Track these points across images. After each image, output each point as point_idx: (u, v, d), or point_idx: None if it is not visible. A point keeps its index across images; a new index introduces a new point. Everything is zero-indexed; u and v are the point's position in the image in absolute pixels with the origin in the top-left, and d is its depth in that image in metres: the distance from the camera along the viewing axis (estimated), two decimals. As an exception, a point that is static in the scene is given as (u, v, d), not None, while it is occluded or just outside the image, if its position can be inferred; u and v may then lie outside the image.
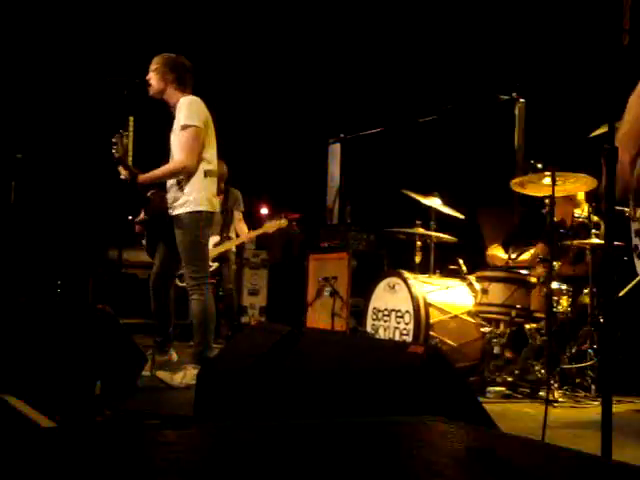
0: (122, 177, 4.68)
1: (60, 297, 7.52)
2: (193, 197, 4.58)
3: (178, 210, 4.63)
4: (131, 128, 4.81)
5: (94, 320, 4.47)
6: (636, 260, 2.66)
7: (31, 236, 7.70)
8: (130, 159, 4.74)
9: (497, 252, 5.34)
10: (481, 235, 6.09)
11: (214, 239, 6.57)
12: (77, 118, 7.78)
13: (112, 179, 4.78)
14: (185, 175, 4.59)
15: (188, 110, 4.58)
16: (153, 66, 4.70)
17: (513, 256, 5.07)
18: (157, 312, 4.82)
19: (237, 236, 7.03)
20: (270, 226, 6.48)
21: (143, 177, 4.66)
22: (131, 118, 4.81)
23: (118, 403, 3.79)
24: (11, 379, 3.95)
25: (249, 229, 6.88)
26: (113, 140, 4.62)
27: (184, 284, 5.19)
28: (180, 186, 4.64)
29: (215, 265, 6.61)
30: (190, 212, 4.59)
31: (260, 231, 6.65)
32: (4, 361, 4.14)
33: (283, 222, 6.42)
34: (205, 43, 7.84)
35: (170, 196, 4.68)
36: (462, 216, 5.54)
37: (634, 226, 2.64)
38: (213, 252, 6.53)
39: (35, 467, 1.18)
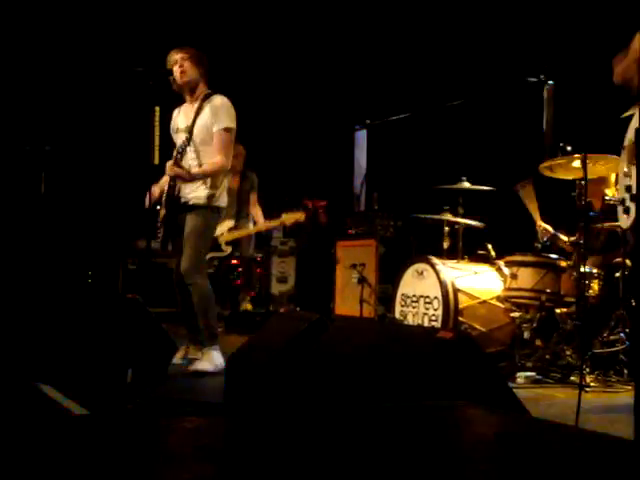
0: (170, 173, 4.75)
1: (91, 287, 7.59)
2: (213, 192, 4.72)
3: (197, 200, 4.72)
4: (157, 118, 4.83)
5: (125, 309, 4.51)
6: (621, 214, 2.63)
7: (61, 227, 7.77)
8: (157, 149, 4.76)
9: (547, 225, 5.23)
10: (508, 219, 6.03)
11: (229, 223, 6.60)
12: (104, 109, 7.82)
13: (139, 169, 4.82)
14: (220, 175, 4.76)
15: (226, 112, 4.70)
16: (184, 54, 4.71)
17: (544, 240, 5.01)
18: (184, 307, 4.84)
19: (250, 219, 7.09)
20: (288, 218, 6.45)
21: (191, 172, 4.72)
22: (157, 108, 4.83)
23: (149, 391, 3.82)
24: (45, 368, 4.00)
25: (273, 218, 6.88)
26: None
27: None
28: (205, 180, 4.73)
29: (229, 249, 6.63)
30: (209, 205, 4.71)
31: (277, 222, 6.68)
32: (38, 350, 4.20)
33: (301, 216, 6.40)
34: (225, 34, 7.84)
35: (188, 187, 4.74)
36: (492, 188, 5.49)
37: (625, 182, 2.61)
38: (228, 236, 6.55)
39: (67, 454, 1.19)
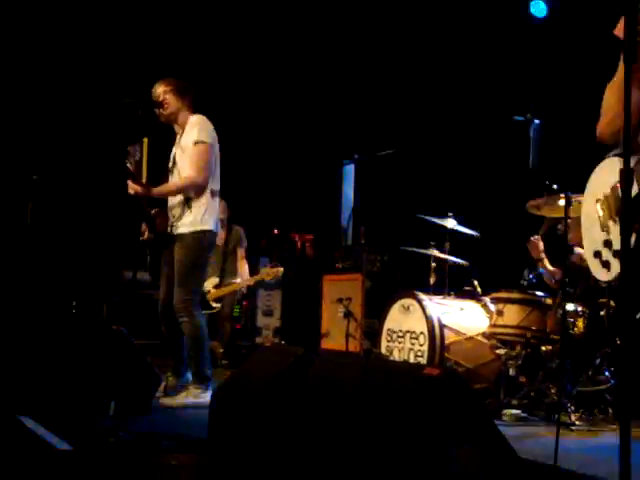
0: (131, 191, 4.63)
1: (75, 318, 7.54)
2: (198, 216, 4.57)
3: (181, 229, 4.60)
4: (145, 149, 4.84)
5: (109, 341, 4.47)
6: (596, 266, 2.58)
7: (47, 257, 7.73)
8: (144, 180, 4.75)
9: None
10: (494, 256, 6.07)
11: (214, 280, 6.60)
12: (92, 139, 7.83)
13: (127, 200, 4.79)
14: (194, 191, 4.57)
15: (200, 127, 4.61)
16: (166, 87, 4.71)
17: (529, 277, 5.03)
18: (169, 337, 4.76)
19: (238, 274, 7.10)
20: (266, 274, 6.74)
21: (156, 190, 4.64)
22: (145, 139, 4.84)
23: (132, 424, 3.78)
24: (27, 400, 3.96)
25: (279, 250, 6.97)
26: (128, 149, 4.62)
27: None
28: (187, 204, 4.61)
29: (218, 306, 6.62)
30: (194, 232, 4.56)
31: (257, 278, 6.92)
32: (20, 382, 4.15)
33: (280, 271, 6.65)
34: (214, 65, 7.90)
35: (173, 214, 4.65)
36: (477, 234, 5.53)
37: (601, 236, 2.59)
38: (215, 294, 6.55)
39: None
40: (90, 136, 7.71)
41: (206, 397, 4.43)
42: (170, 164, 4.79)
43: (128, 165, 4.64)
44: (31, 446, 2.90)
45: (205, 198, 4.60)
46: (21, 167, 6.61)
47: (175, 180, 4.68)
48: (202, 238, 4.58)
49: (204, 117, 4.70)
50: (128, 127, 4.94)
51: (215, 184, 4.68)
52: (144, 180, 4.70)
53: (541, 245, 5.14)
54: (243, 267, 7.16)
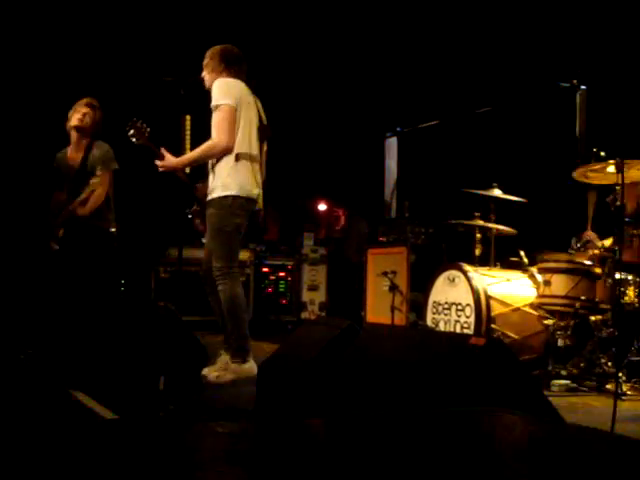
0: (159, 168, 4.59)
1: (124, 295, 7.65)
2: (220, 181, 4.44)
3: (210, 195, 4.52)
4: (188, 127, 4.85)
5: (157, 317, 4.53)
6: None
7: (96, 237, 7.83)
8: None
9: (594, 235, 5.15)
10: (545, 223, 5.98)
11: None
12: (136, 119, 7.89)
13: (170, 178, 4.79)
14: (218, 155, 4.44)
15: (218, 90, 4.45)
16: (205, 60, 4.65)
17: (577, 246, 4.94)
18: (213, 307, 4.65)
19: None
20: None
21: (178, 160, 4.58)
22: (187, 117, 4.85)
23: (182, 398, 3.83)
24: (79, 375, 4.04)
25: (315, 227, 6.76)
26: (127, 129, 4.57)
27: None
28: (212, 170, 4.52)
29: None
30: (219, 197, 4.44)
31: None
32: (72, 358, 4.24)
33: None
34: (259, 39, 7.87)
35: (208, 181, 4.59)
36: (524, 200, 5.44)
37: None
38: None
39: (99, 458, 1.19)
40: (132, 115, 7.76)
41: (246, 369, 4.38)
42: None
43: (133, 140, 4.58)
44: (81, 417, 2.97)
45: (227, 163, 4.44)
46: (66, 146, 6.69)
47: (201, 145, 4.55)
48: (226, 204, 4.42)
49: (226, 79, 4.52)
50: (170, 105, 4.96)
51: (243, 147, 4.48)
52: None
53: (594, 238, 5.00)
54: None
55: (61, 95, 7.52)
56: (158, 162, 4.59)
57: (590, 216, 5.12)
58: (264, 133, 4.67)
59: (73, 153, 5.34)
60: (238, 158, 4.45)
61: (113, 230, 5.46)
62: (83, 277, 5.39)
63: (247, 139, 4.51)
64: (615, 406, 2.82)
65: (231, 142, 4.42)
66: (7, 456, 1.20)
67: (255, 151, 4.57)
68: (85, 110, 5.27)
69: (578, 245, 4.93)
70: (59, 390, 3.79)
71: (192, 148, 4.87)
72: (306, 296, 8.30)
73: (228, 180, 4.42)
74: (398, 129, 8.55)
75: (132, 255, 8.04)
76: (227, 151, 4.43)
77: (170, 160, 4.58)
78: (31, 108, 7.56)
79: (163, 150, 4.60)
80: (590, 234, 5.01)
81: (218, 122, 4.42)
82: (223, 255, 4.45)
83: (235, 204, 4.43)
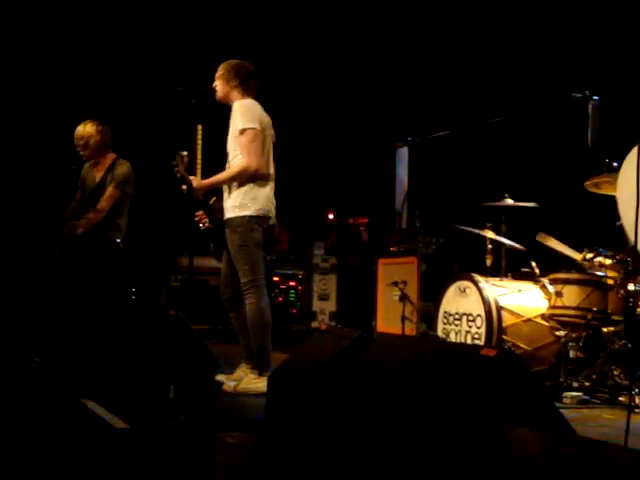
0: (184, 189, 4.67)
1: (135, 304, 7.67)
2: (240, 202, 4.52)
3: (228, 214, 4.59)
4: (199, 136, 4.87)
5: (167, 326, 4.54)
6: None
7: (108, 246, 7.86)
8: (199, 167, 4.79)
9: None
10: (557, 233, 5.95)
11: None
12: (146, 128, 7.93)
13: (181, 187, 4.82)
14: (249, 177, 4.52)
15: (243, 113, 4.53)
16: (218, 72, 4.71)
17: (588, 257, 4.91)
18: (236, 325, 4.69)
19: None
20: None
21: (205, 182, 4.65)
22: (199, 126, 4.87)
23: (192, 407, 3.83)
24: (90, 384, 4.04)
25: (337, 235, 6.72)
26: (173, 163, 4.66)
27: None
28: (229, 189, 4.59)
29: None
30: (236, 217, 4.53)
31: None
32: (83, 366, 4.25)
33: None
34: (271, 50, 7.90)
35: (224, 200, 4.66)
36: (537, 205, 5.42)
37: None
38: None
39: (108, 466, 1.19)
40: (144, 124, 7.80)
41: (259, 384, 4.35)
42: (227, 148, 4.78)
43: (176, 172, 4.67)
44: (92, 426, 2.97)
45: (246, 183, 4.53)
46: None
47: (228, 169, 4.66)
48: (244, 222, 4.51)
49: (249, 101, 4.62)
50: (182, 115, 4.99)
51: (262, 168, 4.58)
52: (198, 167, 4.73)
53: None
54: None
55: (72, 105, 7.58)
56: (192, 187, 4.63)
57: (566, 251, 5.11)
58: (275, 152, 4.76)
59: (99, 167, 5.67)
60: (257, 178, 4.55)
61: (118, 240, 5.57)
62: (89, 285, 5.43)
63: (266, 159, 4.62)
64: (629, 419, 2.79)
65: (261, 165, 4.53)
66: (19, 464, 1.20)
67: (272, 170, 4.68)
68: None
69: (589, 256, 4.91)
70: (70, 398, 3.79)
71: (203, 158, 4.90)
72: (316, 305, 8.29)
73: (246, 200, 4.53)
74: (409, 139, 8.55)
75: (143, 263, 8.06)
76: (256, 174, 4.52)
77: (198, 182, 4.65)
78: (43, 118, 7.61)
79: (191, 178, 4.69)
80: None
81: (247, 146, 4.51)
82: (249, 270, 4.53)
83: (252, 221, 4.53)
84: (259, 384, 4.39)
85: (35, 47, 7.63)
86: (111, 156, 5.63)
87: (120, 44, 7.83)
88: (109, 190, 5.51)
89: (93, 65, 7.80)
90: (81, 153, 5.60)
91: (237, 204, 4.53)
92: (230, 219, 4.57)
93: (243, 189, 4.54)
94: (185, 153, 4.68)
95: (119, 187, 5.53)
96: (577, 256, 4.99)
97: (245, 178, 4.55)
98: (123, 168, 5.57)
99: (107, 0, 7.59)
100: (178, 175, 4.65)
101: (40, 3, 7.48)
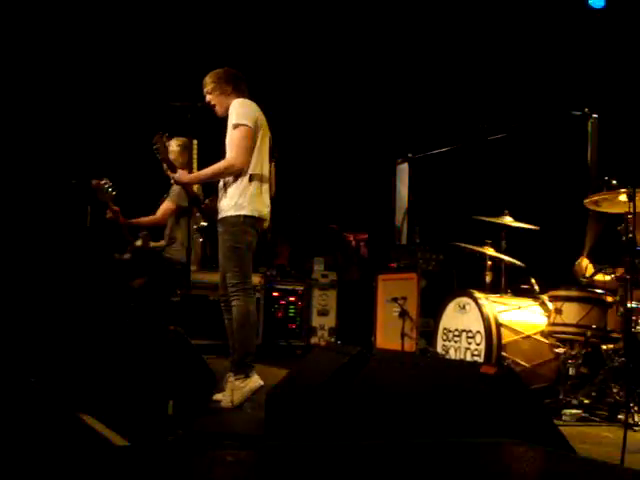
0: (172, 181, 4.72)
1: (133, 319, 7.66)
2: (233, 201, 4.49)
3: (221, 214, 4.56)
4: (195, 151, 4.89)
5: (166, 341, 4.53)
6: None
7: (106, 259, 7.87)
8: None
9: (589, 264, 5.15)
10: (552, 253, 5.97)
11: None
12: (144, 143, 7.96)
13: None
14: (232, 175, 4.50)
15: (238, 110, 4.52)
16: (208, 86, 4.69)
17: (588, 274, 4.92)
18: (229, 330, 4.65)
19: None
20: None
21: (192, 176, 4.64)
22: (195, 141, 4.88)
23: (190, 423, 3.82)
24: (88, 399, 4.03)
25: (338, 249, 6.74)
26: (153, 142, 4.68)
27: None
28: (224, 188, 4.56)
29: None
30: (231, 216, 4.50)
31: None
32: (82, 381, 4.24)
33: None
34: (269, 65, 7.94)
35: (219, 199, 4.63)
36: (535, 227, 5.43)
37: None
38: None
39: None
40: (141, 139, 7.82)
41: (251, 383, 4.39)
42: None
43: (157, 154, 4.71)
44: (90, 442, 2.96)
45: (242, 183, 4.50)
46: (79, 172, 6.74)
47: (216, 163, 4.60)
48: (238, 222, 4.47)
49: (245, 99, 4.60)
50: (177, 130, 5.01)
51: (256, 169, 4.55)
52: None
53: (585, 264, 5.02)
54: None
55: (68, 120, 7.60)
56: (172, 174, 4.67)
57: (587, 241, 5.11)
58: (272, 154, 4.74)
59: None
60: (251, 179, 4.52)
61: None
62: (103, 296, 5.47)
63: (261, 161, 4.58)
64: (625, 437, 2.79)
65: (246, 163, 4.48)
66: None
67: (266, 172, 4.64)
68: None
69: (588, 274, 4.91)
70: (68, 414, 3.78)
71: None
72: (316, 321, 8.28)
73: (241, 200, 4.49)
74: (409, 155, 8.57)
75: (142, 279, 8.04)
76: (239, 172, 4.49)
77: (184, 175, 4.65)
78: (40, 131, 7.64)
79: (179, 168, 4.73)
80: (584, 261, 5.01)
81: (236, 142, 4.48)
82: (237, 272, 4.50)
83: (247, 222, 4.49)
84: (250, 383, 4.40)
85: (32, 59, 7.66)
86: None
87: (116, 59, 7.87)
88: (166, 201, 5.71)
89: (89, 80, 7.83)
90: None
91: (233, 203, 4.50)
92: (224, 218, 4.54)
93: (239, 189, 4.50)
94: (166, 134, 4.71)
95: (173, 200, 5.65)
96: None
97: (229, 174, 4.52)
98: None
99: (103, 15, 7.62)
100: (159, 157, 4.68)
101: (38, 17, 7.53)
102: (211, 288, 7.15)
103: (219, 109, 4.70)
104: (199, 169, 4.73)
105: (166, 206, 5.73)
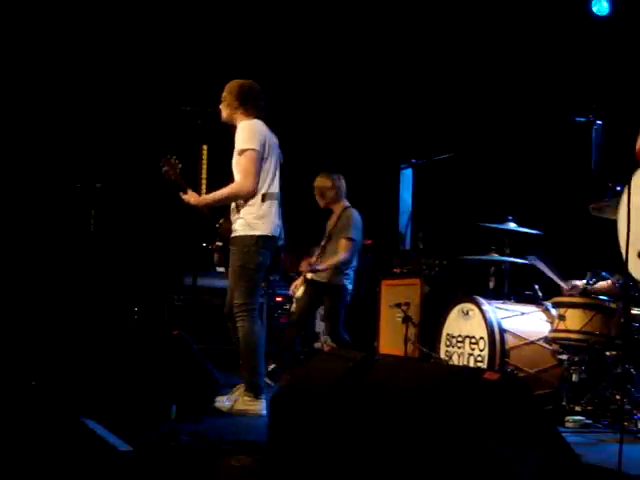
0: (185, 202, 4.73)
1: (137, 323, 7.67)
2: (247, 221, 4.53)
3: (234, 233, 4.60)
4: (205, 157, 4.91)
5: (170, 345, 4.54)
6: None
7: (110, 263, 7.90)
8: (204, 187, 4.82)
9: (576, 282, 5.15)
10: (555, 260, 5.97)
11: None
12: (153, 148, 7.98)
13: (187, 207, 4.84)
14: (244, 198, 4.55)
15: (243, 136, 4.57)
16: (223, 94, 4.75)
17: (591, 282, 4.92)
18: (235, 341, 4.69)
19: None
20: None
21: (201, 199, 4.69)
22: (204, 147, 4.91)
23: (193, 427, 3.83)
24: (91, 403, 4.04)
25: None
26: (160, 164, 4.70)
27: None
28: (237, 209, 4.61)
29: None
30: (243, 236, 4.53)
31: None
32: (85, 386, 4.25)
33: None
34: (276, 70, 7.96)
35: (231, 219, 4.67)
36: (539, 232, 5.44)
37: None
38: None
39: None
40: (150, 144, 7.84)
41: (255, 407, 4.42)
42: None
43: (166, 176, 4.71)
44: (94, 447, 2.97)
45: (254, 202, 4.55)
46: (84, 175, 6.77)
47: (225, 187, 4.67)
48: (250, 242, 4.52)
49: (252, 121, 4.63)
50: (187, 135, 5.03)
51: (268, 188, 4.61)
52: (203, 187, 4.77)
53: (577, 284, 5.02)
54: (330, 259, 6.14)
55: (77, 125, 7.63)
56: (183, 196, 4.71)
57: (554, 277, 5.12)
58: (283, 173, 4.78)
59: (332, 215, 6.51)
60: (264, 198, 4.58)
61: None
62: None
63: (272, 179, 4.64)
64: (621, 445, 2.77)
65: (255, 187, 4.54)
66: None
67: (277, 189, 4.69)
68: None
69: (593, 280, 4.91)
70: (71, 418, 3.79)
71: (208, 178, 4.93)
72: (319, 326, 8.27)
73: (254, 220, 4.54)
74: (413, 161, 8.58)
75: (146, 283, 8.08)
76: (250, 195, 4.55)
77: (194, 197, 4.69)
78: (46, 137, 7.66)
79: (189, 189, 4.74)
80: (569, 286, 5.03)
81: (243, 167, 4.53)
82: (244, 293, 4.54)
83: (259, 243, 4.53)
84: (255, 407, 4.42)
85: (38, 65, 7.69)
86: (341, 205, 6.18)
87: (126, 64, 7.90)
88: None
89: (99, 85, 7.86)
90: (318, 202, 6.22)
91: (245, 223, 4.55)
92: (237, 237, 4.58)
93: (251, 208, 4.55)
94: (175, 160, 4.72)
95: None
96: (565, 285, 5.03)
97: (239, 198, 4.57)
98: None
99: (113, 20, 7.65)
100: (169, 178, 4.70)
101: (47, 22, 7.56)
102: (215, 293, 7.17)
103: (223, 115, 4.76)
104: (208, 174, 4.76)
105: None
